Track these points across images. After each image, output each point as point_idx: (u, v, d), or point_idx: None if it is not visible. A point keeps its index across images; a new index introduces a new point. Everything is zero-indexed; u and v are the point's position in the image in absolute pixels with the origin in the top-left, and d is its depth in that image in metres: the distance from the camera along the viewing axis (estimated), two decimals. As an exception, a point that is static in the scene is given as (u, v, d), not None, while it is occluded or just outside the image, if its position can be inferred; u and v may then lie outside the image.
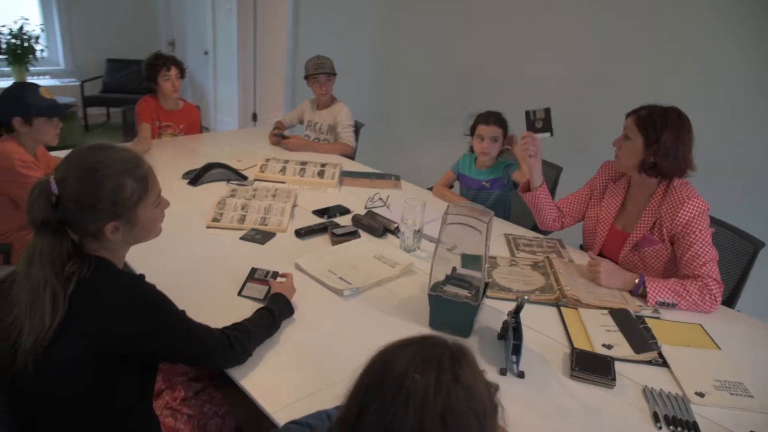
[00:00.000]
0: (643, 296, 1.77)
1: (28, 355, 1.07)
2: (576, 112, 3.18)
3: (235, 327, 1.33)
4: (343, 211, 2.34)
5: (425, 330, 1.54)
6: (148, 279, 1.20)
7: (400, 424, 0.69)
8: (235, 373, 1.31)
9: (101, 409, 1.14)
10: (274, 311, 1.45)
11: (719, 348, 1.57)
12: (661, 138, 1.79)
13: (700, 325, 1.67)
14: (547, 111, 1.98)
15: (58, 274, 1.09)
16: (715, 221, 1.99)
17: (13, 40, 5.67)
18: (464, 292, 1.49)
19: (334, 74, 3.31)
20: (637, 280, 1.78)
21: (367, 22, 4.41)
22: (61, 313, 1.07)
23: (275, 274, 1.72)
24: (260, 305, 1.49)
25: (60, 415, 1.13)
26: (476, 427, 0.72)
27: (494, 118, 2.45)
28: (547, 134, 2.00)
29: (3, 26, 5.54)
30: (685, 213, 1.79)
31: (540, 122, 1.99)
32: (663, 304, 1.73)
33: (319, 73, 3.25)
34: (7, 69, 5.82)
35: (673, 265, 1.88)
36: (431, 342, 0.77)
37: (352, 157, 3.30)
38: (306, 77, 3.32)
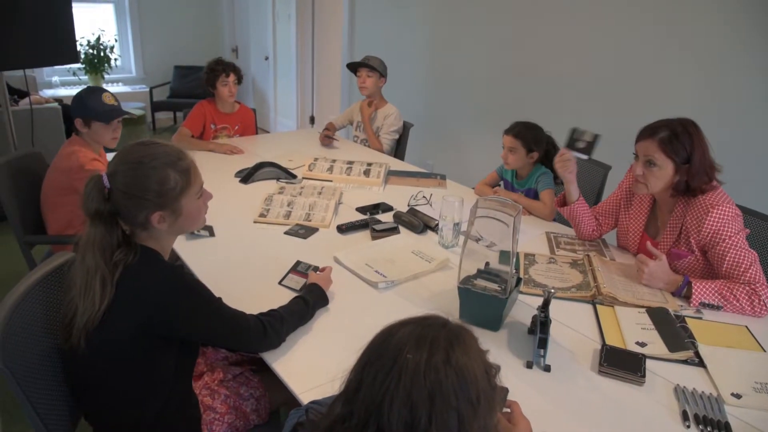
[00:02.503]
0: (686, 298, 1.71)
1: (81, 332, 1.18)
2: (625, 110, 3.11)
3: (270, 314, 1.41)
4: (386, 208, 2.39)
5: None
6: (197, 267, 1.29)
7: (391, 399, 0.72)
8: (268, 356, 1.38)
9: (141, 382, 1.24)
10: (309, 300, 1.52)
11: (764, 350, 1.51)
12: (693, 158, 1.72)
13: (746, 326, 1.61)
14: (596, 137, 1.95)
15: (108, 260, 1.19)
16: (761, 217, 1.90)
17: (91, 51, 6.09)
18: (493, 286, 1.51)
19: (380, 72, 3.37)
20: (681, 282, 1.72)
21: (422, 24, 4.45)
22: (109, 297, 1.18)
23: (315, 268, 1.78)
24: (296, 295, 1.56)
25: (106, 385, 1.25)
26: (468, 408, 0.73)
27: (514, 131, 2.44)
28: (585, 156, 1.97)
29: (82, 38, 5.94)
30: (710, 223, 1.71)
31: (583, 143, 1.96)
32: (707, 306, 1.68)
33: (359, 65, 3.37)
34: (85, 77, 6.25)
35: (711, 276, 1.79)
36: (429, 322, 0.79)
37: (401, 157, 3.35)
38: (349, 69, 3.47)
